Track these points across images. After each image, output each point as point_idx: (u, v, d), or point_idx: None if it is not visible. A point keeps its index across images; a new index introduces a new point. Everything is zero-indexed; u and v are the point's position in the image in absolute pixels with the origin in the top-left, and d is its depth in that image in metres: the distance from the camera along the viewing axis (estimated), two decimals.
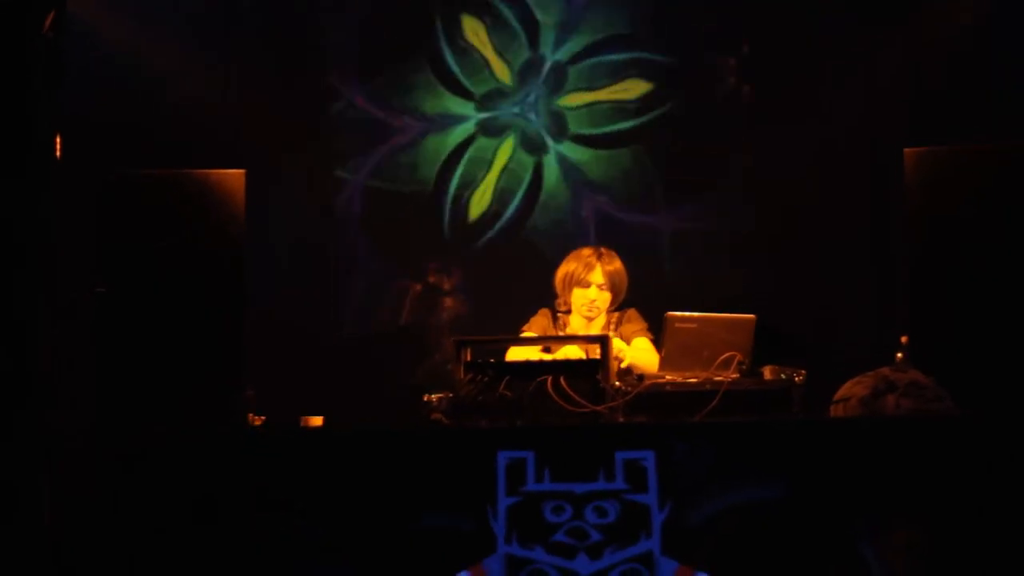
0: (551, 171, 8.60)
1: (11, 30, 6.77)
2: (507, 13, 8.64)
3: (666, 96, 8.58)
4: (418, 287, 8.54)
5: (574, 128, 8.61)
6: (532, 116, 8.60)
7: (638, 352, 6.77)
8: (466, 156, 8.64)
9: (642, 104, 8.59)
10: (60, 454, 6.29)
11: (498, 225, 8.59)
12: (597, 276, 6.96)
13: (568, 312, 7.08)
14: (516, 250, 8.54)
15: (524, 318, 7.18)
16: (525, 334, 7.02)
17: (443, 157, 8.64)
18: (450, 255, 8.60)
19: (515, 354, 6.61)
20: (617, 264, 7.02)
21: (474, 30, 8.67)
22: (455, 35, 8.68)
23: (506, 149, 8.63)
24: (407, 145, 8.66)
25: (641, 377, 5.86)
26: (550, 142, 8.59)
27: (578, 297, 6.99)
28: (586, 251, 7.06)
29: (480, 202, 8.60)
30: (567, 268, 7.05)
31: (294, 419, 6.04)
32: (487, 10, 8.65)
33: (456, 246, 8.60)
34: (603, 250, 7.05)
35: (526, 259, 8.30)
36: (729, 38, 8.50)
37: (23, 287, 6.52)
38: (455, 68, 8.67)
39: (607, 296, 6.99)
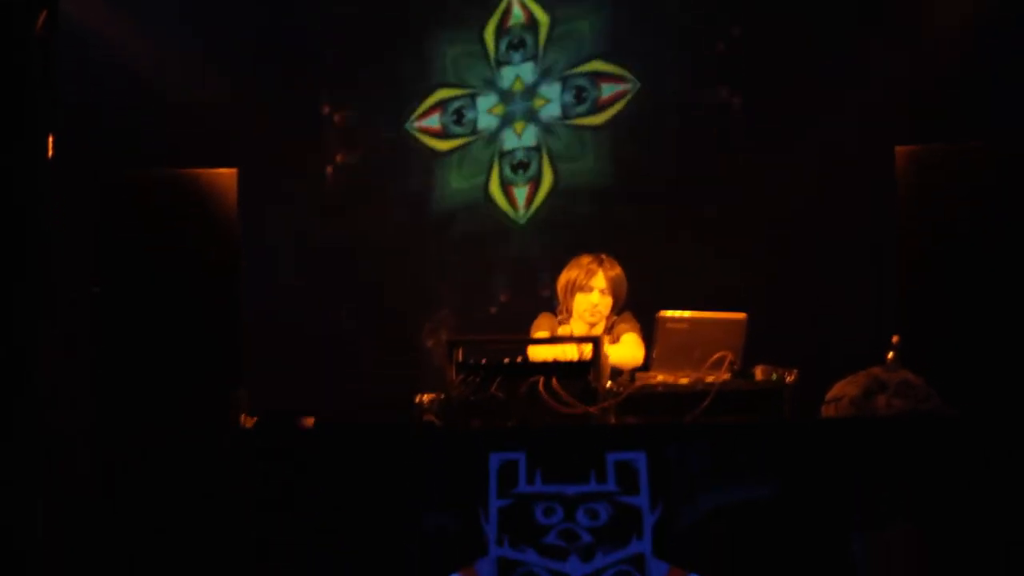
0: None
1: (3, 30, 6.77)
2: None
3: (655, 97, 8.60)
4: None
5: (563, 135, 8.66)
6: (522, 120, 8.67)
7: (621, 347, 6.78)
8: (456, 156, 8.68)
9: (633, 106, 8.62)
10: (59, 453, 6.31)
11: (490, 223, 8.64)
12: (599, 281, 6.98)
13: (569, 318, 7.08)
14: (512, 248, 8.56)
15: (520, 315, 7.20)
16: (538, 334, 7.03)
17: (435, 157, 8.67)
18: (442, 250, 8.62)
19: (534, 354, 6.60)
20: (618, 270, 7.04)
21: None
22: (443, 41, 8.70)
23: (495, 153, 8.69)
24: (396, 143, 8.69)
25: (633, 378, 5.86)
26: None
27: (580, 302, 7.00)
28: (586, 258, 7.06)
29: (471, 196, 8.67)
30: (568, 275, 7.07)
31: (287, 419, 6.04)
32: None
33: (444, 240, 8.63)
34: (603, 256, 7.06)
35: (524, 258, 8.28)
36: (719, 37, 8.51)
37: (19, 287, 6.53)
38: (446, 73, 8.70)
39: (609, 301, 7.00)
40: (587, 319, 7.01)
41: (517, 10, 8.75)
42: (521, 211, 8.67)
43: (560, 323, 7.10)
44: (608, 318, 7.05)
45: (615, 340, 6.91)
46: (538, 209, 8.66)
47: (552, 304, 7.20)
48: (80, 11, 7.61)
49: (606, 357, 5.93)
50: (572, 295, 7.03)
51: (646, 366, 6.06)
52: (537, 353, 6.42)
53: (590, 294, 6.99)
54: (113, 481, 5.95)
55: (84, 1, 7.69)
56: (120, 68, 8.11)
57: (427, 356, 8.38)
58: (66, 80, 6.95)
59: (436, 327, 8.08)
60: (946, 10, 7.92)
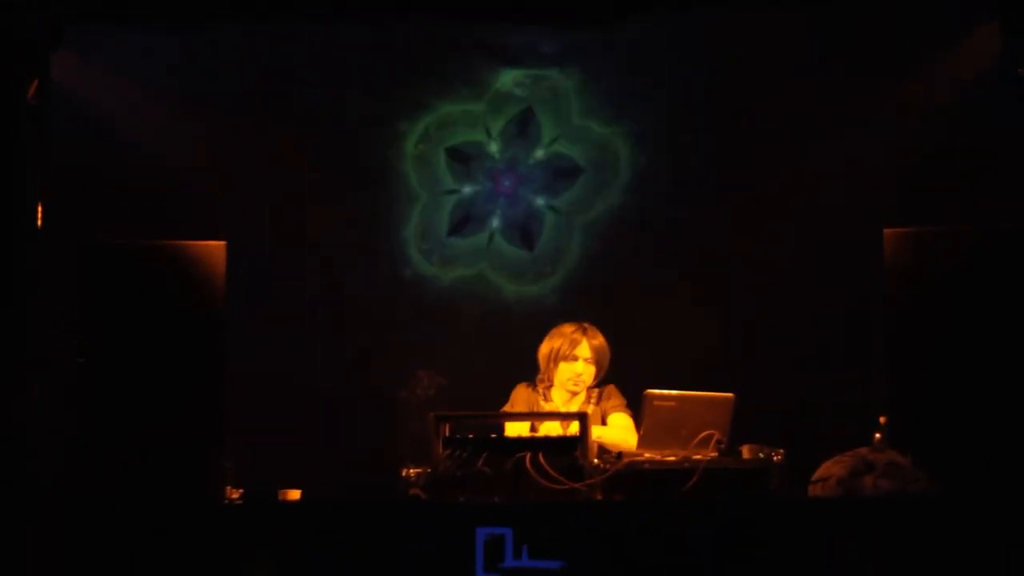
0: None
1: None
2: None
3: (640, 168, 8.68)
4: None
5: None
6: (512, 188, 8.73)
7: (615, 430, 6.77)
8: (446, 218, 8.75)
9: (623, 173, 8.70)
10: (39, 523, 6.28)
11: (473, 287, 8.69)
12: (584, 350, 6.98)
13: (549, 387, 7.07)
14: (501, 315, 8.61)
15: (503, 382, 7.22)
16: (516, 407, 7.02)
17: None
18: (431, 322, 8.65)
19: (511, 430, 6.59)
20: (601, 339, 7.04)
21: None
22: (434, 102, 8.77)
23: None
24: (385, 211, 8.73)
25: (620, 455, 5.85)
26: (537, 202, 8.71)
27: (564, 371, 6.99)
28: (568, 327, 7.07)
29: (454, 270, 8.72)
30: (551, 344, 7.06)
31: (272, 492, 6.02)
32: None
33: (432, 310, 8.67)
34: (586, 325, 7.06)
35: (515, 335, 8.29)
36: (711, 111, 8.57)
37: (3, 354, 6.52)
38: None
39: (592, 370, 7.00)
40: (570, 388, 6.99)
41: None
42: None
43: (540, 393, 7.08)
44: (590, 389, 7.05)
45: (604, 416, 6.90)
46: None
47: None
48: (69, 79, 7.61)
49: (591, 433, 5.94)
50: (556, 364, 7.02)
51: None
52: (518, 428, 6.42)
53: (574, 363, 6.98)
54: (92, 552, 5.89)
55: (73, 69, 7.69)
56: (111, 136, 8.10)
57: (405, 413, 8.35)
58: (57, 149, 7.01)
59: (415, 384, 8.11)
60: (936, 90, 7.99)
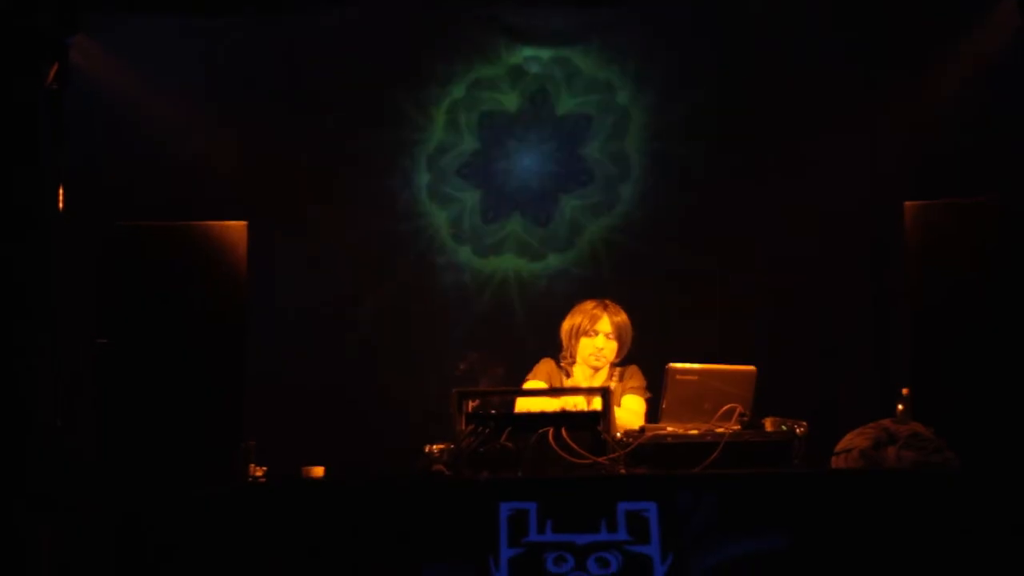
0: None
1: (14, 82, 6.82)
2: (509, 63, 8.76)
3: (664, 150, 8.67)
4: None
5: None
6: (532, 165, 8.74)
7: (623, 412, 6.76)
8: (467, 204, 8.74)
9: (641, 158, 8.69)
10: (62, 510, 6.30)
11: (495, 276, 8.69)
12: (604, 325, 6.98)
13: (572, 363, 7.08)
14: (528, 298, 8.62)
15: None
16: (531, 383, 7.02)
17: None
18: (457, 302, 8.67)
19: (524, 404, 6.59)
20: (623, 316, 7.04)
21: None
22: (451, 82, 8.77)
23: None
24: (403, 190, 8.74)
25: (643, 429, 5.85)
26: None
27: (585, 347, 7.00)
28: (590, 304, 7.07)
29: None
30: (573, 321, 7.07)
31: (296, 470, 6.03)
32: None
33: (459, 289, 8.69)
34: (608, 302, 7.07)
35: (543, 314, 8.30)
36: (729, 90, 8.56)
37: (26, 338, 6.55)
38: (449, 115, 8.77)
39: (614, 345, 7.00)
40: (591, 363, 7.00)
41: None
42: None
43: (563, 369, 7.09)
44: (612, 367, 7.05)
45: (621, 396, 6.91)
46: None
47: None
48: (89, 64, 7.64)
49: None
50: (576, 340, 7.03)
51: (656, 418, 6.05)
52: (537, 404, 6.44)
53: (595, 338, 6.99)
54: (115, 535, 5.91)
55: (93, 54, 7.72)
56: (130, 120, 8.12)
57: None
58: (75, 132, 7.01)
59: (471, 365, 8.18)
60: (957, 64, 7.98)
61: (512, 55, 8.74)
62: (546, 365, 7.09)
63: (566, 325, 7.11)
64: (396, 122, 8.71)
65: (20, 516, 6.38)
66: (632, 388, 6.99)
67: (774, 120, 8.47)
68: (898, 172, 8.04)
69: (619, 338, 7.01)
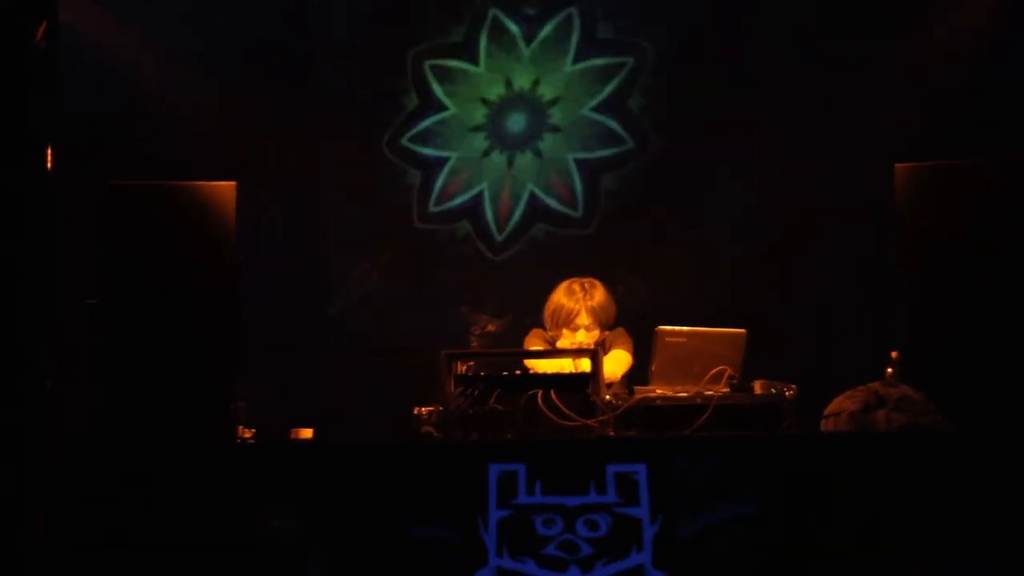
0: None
1: (3, 40, 6.77)
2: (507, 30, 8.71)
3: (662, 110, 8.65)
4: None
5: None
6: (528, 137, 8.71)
7: (608, 361, 6.73)
8: (447, 167, 8.72)
9: (637, 120, 8.66)
10: (57, 467, 6.28)
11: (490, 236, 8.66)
12: (582, 319, 6.96)
13: (559, 338, 7.06)
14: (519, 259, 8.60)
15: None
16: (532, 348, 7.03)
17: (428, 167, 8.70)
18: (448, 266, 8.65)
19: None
20: (599, 297, 7.00)
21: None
22: (443, 51, 8.72)
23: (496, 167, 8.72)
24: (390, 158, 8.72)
25: (632, 391, 5.85)
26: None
27: (567, 336, 6.99)
28: (565, 296, 7.02)
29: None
30: (554, 304, 7.04)
31: (284, 432, 6.03)
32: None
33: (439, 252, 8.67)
34: (586, 284, 7.02)
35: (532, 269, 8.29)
36: (726, 55, 8.54)
37: (18, 298, 6.52)
38: (444, 84, 8.72)
39: (595, 332, 6.99)
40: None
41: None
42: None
43: (550, 342, 7.08)
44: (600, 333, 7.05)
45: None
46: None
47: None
48: (79, 22, 7.61)
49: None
50: (558, 328, 7.02)
51: (645, 380, 6.04)
52: (533, 367, 6.42)
53: (575, 332, 6.98)
54: (111, 490, 5.90)
55: (83, 12, 7.68)
56: (120, 79, 8.10)
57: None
58: (65, 91, 6.97)
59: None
60: (949, 26, 7.97)
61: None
62: (537, 335, 7.09)
63: (549, 308, 7.09)
64: (393, 77, 8.70)
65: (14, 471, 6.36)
66: (617, 346, 6.99)
67: (767, 81, 8.46)
68: (890, 131, 8.03)
69: (598, 321, 6.99)
